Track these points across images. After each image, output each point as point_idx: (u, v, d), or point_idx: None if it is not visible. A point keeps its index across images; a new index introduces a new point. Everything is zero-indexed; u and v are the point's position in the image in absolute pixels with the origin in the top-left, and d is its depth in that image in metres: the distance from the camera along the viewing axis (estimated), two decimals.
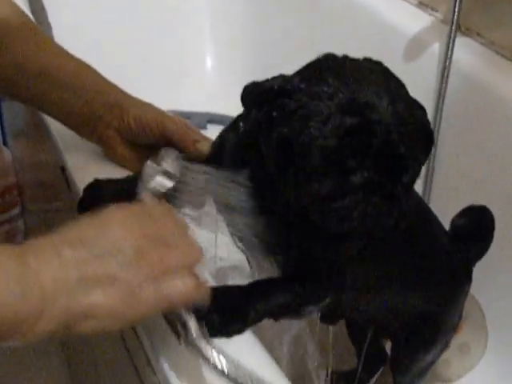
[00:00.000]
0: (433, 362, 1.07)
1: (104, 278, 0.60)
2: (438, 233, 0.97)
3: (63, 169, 1.01)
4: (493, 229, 1.02)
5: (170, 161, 0.80)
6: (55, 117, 0.98)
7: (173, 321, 0.69)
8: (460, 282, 1.02)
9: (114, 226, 0.64)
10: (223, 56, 1.78)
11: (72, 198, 0.97)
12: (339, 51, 0.73)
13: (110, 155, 0.97)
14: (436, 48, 1.30)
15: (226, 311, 0.71)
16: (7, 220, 2.03)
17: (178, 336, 0.69)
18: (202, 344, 0.67)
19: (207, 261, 0.73)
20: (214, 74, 1.78)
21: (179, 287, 0.64)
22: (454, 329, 1.06)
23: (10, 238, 2.06)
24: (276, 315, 0.79)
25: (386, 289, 0.91)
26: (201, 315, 0.68)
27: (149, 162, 0.79)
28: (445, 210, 1.00)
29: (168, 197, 0.77)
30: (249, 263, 0.90)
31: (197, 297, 0.66)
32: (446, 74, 1.26)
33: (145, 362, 0.80)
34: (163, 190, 0.77)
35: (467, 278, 1.02)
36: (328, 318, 0.97)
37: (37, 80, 0.94)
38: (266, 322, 0.78)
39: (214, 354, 0.67)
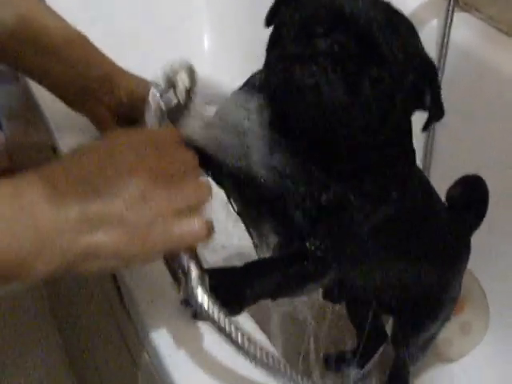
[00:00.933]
0: (435, 336, 1.07)
1: (108, 217, 0.58)
2: (437, 205, 0.97)
3: (54, 149, 1.00)
4: (487, 197, 1.02)
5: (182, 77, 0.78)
6: (47, 88, 0.95)
7: (174, 268, 0.67)
8: (460, 252, 1.02)
9: (119, 161, 0.61)
10: (220, 37, 1.76)
11: None
12: None
13: (101, 131, 0.95)
14: (434, 23, 1.29)
15: (222, 293, 0.70)
16: None
17: (179, 284, 0.67)
18: (200, 292, 0.65)
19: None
20: (211, 55, 1.77)
21: (186, 228, 0.62)
22: (455, 301, 1.06)
23: None
24: (274, 295, 0.78)
25: (388, 263, 0.90)
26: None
27: (154, 87, 0.76)
28: (444, 186, 1.00)
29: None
30: (255, 247, 0.89)
31: (203, 237, 0.64)
32: (444, 49, 1.25)
33: (134, 334, 0.80)
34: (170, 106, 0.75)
35: (466, 248, 1.02)
36: (330, 295, 0.97)
37: (29, 47, 0.91)
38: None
39: (210, 304, 0.66)
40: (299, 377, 0.70)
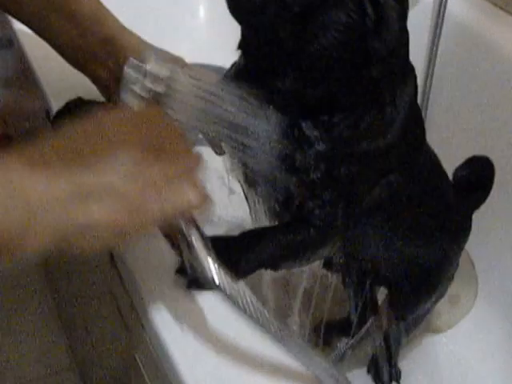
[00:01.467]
0: (429, 311, 1.09)
1: (100, 188, 0.57)
2: (443, 182, 0.97)
3: (48, 112, 0.99)
4: (493, 178, 1.03)
5: (156, 62, 0.75)
6: (48, 42, 0.92)
7: (173, 236, 0.68)
8: (460, 231, 1.03)
9: (108, 134, 0.61)
10: (216, 6, 1.75)
11: None
12: None
13: (104, 96, 0.93)
14: None
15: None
16: None
17: (180, 252, 0.67)
18: (203, 255, 0.65)
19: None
20: (207, 24, 1.75)
21: (180, 195, 0.62)
22: (452, 278, 1.07)
23: None
24: (273, 264, 0.78)
25: (389, 235, 0.91)
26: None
27: (132, 60, 0.74)
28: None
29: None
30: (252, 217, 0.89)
31: (198, 204, 0.64)
32: (439, 25, 1.24)
33: (127, 300, 0.80)
34: (147, 95, 0.73)
35: (467, 227, 1.03)
36: (330, 264, 0.97)
37: None
38: None
39: (216, 266, 0.65)
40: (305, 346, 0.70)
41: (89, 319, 1.25)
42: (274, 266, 0.79)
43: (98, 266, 0.95)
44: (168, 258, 0.76)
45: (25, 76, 1.15)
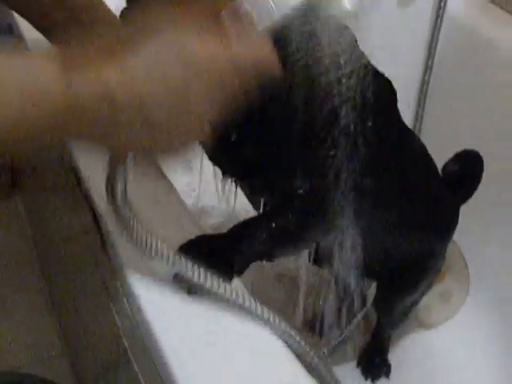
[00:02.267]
0: (416, 303, 1.10)
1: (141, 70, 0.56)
2: (431, 174, 0.98)
3: None
4: (481, 173, 1.04)
5: None
6: (25, 16, 0.89)
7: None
8: (448, 224, 1.03)
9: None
10: None
11: None
12: None
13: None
14: None
15: (212, 261, 0.69)
16: None
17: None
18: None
19: None
20: None
21: (253, 47, 0.59)
22: (439, 271, 1.08)
23: None
24: (266, 254, 0.78)
25: (377, 226, 0.91)
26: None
27: None
28: (433, 153, 1.00)
29: None
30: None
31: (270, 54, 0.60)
32: (438, 20, 1.25)
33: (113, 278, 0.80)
34: None
35: (455, 220, 1.04)
36: (320, 260, 0.99)
37: None
38: None
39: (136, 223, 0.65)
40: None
41: (78, 298, 1.25)
42: (268, 255, 0.79)
43: (85, 233, 0.95)
44: None
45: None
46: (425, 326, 1.28)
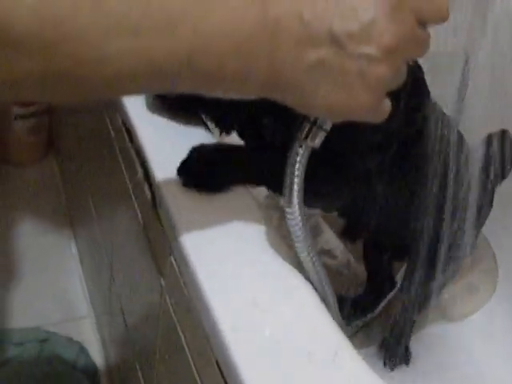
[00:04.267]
0: (443, 286, 1.09)
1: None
2: (466, 156, 0.96)
3: None
4: None
5: None
6: None
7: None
8: (482, 208, 1.02)
9: None
10: None
11: None
12: None
13: None
14: None
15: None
16: (33, 114, 2.04)
17: None
18: None
19: None
20: None
21: None
22: (468, 254, 1.07)
23: (35, 133, 2.07)
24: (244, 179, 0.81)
25: (405, 205, 0.92)
26: None
27: None
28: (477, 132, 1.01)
29: None
30: None
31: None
32: None
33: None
34: None
35: (489, 204, 1.03)
36: (348, 233, 0.98)
37: None
38: None
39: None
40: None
41: (113, 260, 1.26)
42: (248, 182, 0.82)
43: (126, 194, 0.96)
44: None
45: None
46: (449, 318, 1.28)
